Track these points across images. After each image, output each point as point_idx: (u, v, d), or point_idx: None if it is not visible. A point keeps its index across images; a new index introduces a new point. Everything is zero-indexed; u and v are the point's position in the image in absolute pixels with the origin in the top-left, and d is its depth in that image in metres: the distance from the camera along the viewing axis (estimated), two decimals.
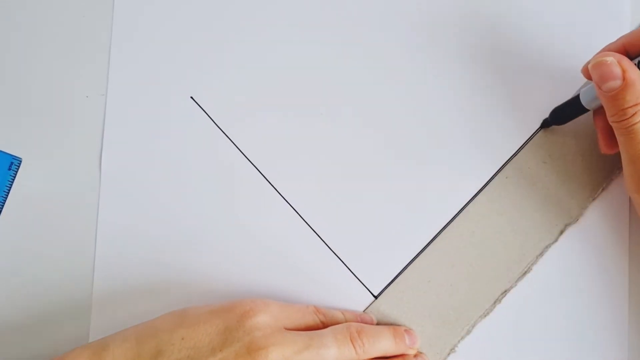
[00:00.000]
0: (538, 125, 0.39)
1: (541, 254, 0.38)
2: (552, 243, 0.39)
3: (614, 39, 0.35)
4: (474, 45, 0.40)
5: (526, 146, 0.39)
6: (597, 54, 0.34)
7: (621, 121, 0.33)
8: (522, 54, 0.40)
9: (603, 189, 0.39)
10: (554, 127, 0.39)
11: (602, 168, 0.39)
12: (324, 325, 0.36)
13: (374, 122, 0.39)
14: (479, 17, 0.40)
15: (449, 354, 0.38)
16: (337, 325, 0.35)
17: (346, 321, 0.36)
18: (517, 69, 0.40)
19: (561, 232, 0.39)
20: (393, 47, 0.40)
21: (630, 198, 0.38)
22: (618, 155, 0.35)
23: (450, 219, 0.39)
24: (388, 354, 0.36)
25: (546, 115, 0.39)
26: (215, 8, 0.40)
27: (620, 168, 0.39)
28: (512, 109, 0.39)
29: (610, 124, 0.34)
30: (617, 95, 0.32)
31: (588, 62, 0.34)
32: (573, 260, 0.39)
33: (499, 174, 0.39)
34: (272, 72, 0.40)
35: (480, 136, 0.39)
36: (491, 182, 0.39)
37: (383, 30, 0.40)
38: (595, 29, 0.40)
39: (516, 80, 0.40)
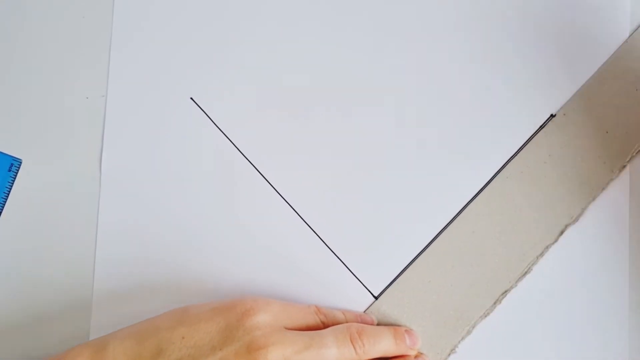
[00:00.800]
0: (538, 125, 0.39)
1: (541, 254, 0.38)
2: (552, 243, 0.38)
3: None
4: (473, 47, 0.40)
5: (526, 146, 0.39)
6: None
7: None
8: (519, 56, 0.40)
9: (603, 189, 0.39)
10: (554, 127, 0.39)
11: (601, 168, 0.39)
12: (324, 326, 0.36)
13: (374, 123, 0.39)
14: (478, 19, 0.40)
15: (449, 355, 0.38)
16: (337, 326, 0.35)
17: (347, 321, 0.36)
18: (516, 71, 0.40)
19: (561, 232, 0.39)
20: (394, 44, 0.40)
21: (630, 197, 0.39)
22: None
23: (450, 219, 0.39)
24: (388, 354, 0.36)
25: (547, 115, 0.39)
26: (215, 8, 0.40)
27: (620, 168, 0.39)
28: (512, 110, 0.39)
29: None
30: None
31: None
32: (573, 261, 0.38)
33: (499, 174, 0.39)
34: (271, 73, 0.40)
35: (479, 137, 0.39)
36: (491, 182, 0.39)
37: (385, 25, 0.40)
38: (594, 30, 0.40)
39: (516, 81, 0.40)
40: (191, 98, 0.40)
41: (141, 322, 0.34)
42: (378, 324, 0.38)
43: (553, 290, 0.38)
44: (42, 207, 0.38)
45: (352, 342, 0.34)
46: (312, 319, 0.36)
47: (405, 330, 0.37)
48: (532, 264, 0.38)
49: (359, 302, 0.38)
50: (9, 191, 0.38)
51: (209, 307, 0.34)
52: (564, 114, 0.39)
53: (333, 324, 0.36)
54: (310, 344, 0.33)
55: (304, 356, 0.33)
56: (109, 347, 0.32)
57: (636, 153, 0.39)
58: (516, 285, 0.38)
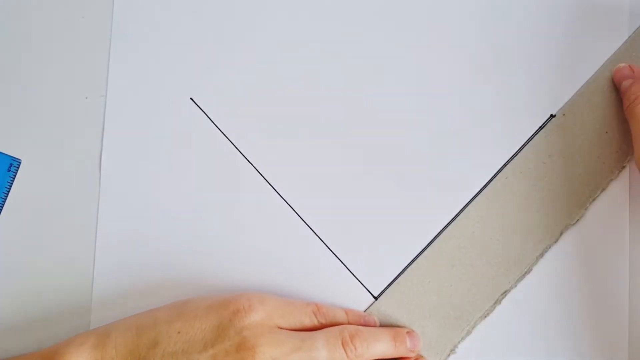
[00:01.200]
0: (538, 125, 0.39)
1: (541, 255, 0.38)
2: (552, 244, 0.39)
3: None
4: (472, 47, 0.40)
5: (526, 147, 0.39)
6: None
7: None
8: (519, 56, 0.40)
9: (603, 189, 0.39)
10: (553, 127, 0.39)
11: (601, 168, 0.39)
12: (322, 326, 0.36)
13: (374, 123, 0.39)
14: (479, 20, 0.40)
15: (449, 355, 0.38)
16: (331, 328, 0.35)
17: (349, 322, 0.36)
18: (516, 71, 0.40)
19: (561, 233, 0.39)
20: (395, 45, 0.40)
21: (630, 197, 0.39)
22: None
23: (450, 219, 0.39)
24: (386, 357, 0.36)
25: (547, 115, 0.39)
26: (215, 9, 0.40)
27: (620, 168, 0.39)
28: (512, 110, 0.39)
29: None
30: None
31: None
32: (573, 261, 0.38)
33: (499, 175, 0.39)
34: (271, 73, 0.40)
35: (479, 137, 0.39)
36: (491, 183, 0.39)
37: (386, 25, 0.40)
38: (594, 30, 0.40)
39: (516, 81, 0.40)
40: (191, 98, 0.40)
41: (142, 313, 0.35)
42: (380, 325, 0.37)
43: (553, 290, 0.38)
44: (42, 207, 0.38)
45: (343, 345, 0.34)
46: (308, 319, 0.35)
47: (407, 332, 0.37)
48: (532, 264, 0.38)
49: (359, 302, 0.38)
50: (8, 191, 0.38)
51: (206, 304, 0.34)
52: (564, 114, 0.39)
53: (332, 325, 0.36)
54: (300, 346, 0.33)
55: (292, 358, 0.33)
56: (111, 337, 0.34)
57: None
58: (516, 286, 0.38)
